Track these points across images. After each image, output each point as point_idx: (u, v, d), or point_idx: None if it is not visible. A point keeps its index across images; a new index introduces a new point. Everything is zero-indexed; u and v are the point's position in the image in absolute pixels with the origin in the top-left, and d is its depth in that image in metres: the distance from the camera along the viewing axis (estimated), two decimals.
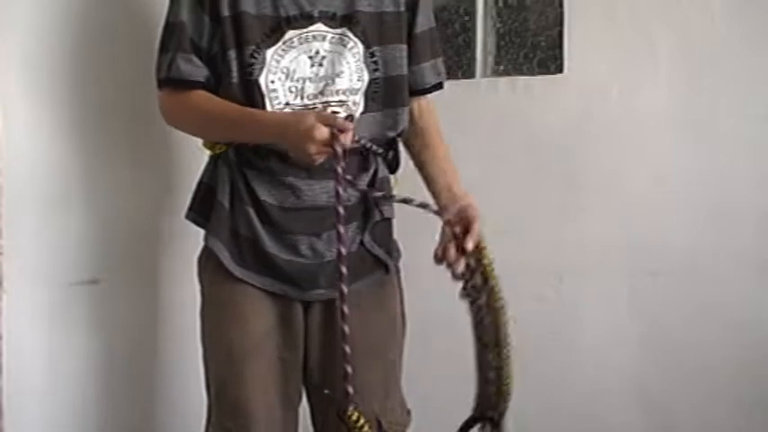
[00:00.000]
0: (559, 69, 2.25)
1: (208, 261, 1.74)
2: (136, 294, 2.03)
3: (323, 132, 1.50)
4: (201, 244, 1.79)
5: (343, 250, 1.54)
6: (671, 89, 2.12)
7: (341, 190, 1.54)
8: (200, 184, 1.77)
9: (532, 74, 2.34)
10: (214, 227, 1.71)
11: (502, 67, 2.41)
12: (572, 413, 2.20)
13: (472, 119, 2.26)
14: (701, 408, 2.08)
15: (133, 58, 1.89)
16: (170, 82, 1.67)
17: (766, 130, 2.04)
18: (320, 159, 1.54)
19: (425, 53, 1.79)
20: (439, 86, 1.83)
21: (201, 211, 1.75)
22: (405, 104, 1.75)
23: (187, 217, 1.77)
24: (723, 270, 2.06)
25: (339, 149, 1.51)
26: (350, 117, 1.61)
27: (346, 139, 1.51)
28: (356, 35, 1.69)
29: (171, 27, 1.68)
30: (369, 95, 1.71)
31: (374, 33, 1.70)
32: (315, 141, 1.51)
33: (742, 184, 2.06)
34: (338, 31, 1.68)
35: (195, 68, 1.66)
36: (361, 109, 1.70)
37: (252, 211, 1.68)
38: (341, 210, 1.54)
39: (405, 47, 1.74)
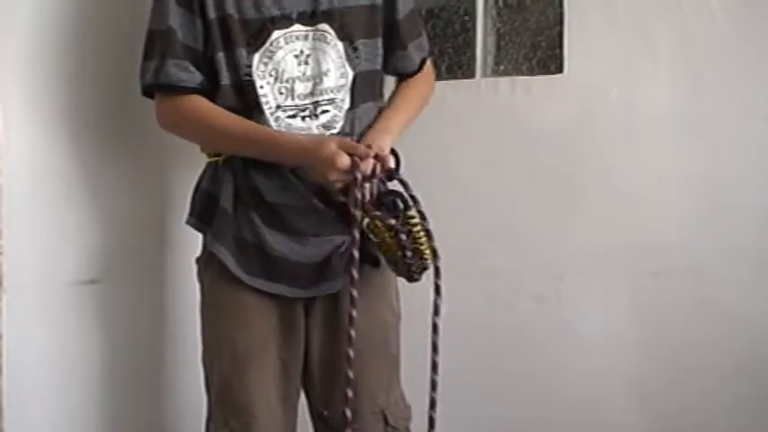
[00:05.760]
0: (559, 69, 2.25)
1: (209, 263, 1.75)
2: (135, 294, 2.03)
3: (344, 160, 1.55)
4: (201, 243, 1.80)
5: (356, 274, 1.59)
6: (671, 89, 2.11)
7: (358, 215, 1.57)
8: (198, 189, 1.77)
9: (532, 74, 2.34)
10: (217, 232, 1.72)
11: (502, 67, 2.40)
12: (572, 413, 2.20)
13: (472, 119, 2.26)
14: (701, 407, 2.08)
15: (133, 59, 1.89)
16: (158, 88, 1.69)
17: (767, 129, 2.04)
18: (340, 185, 1.58)
19: (410, 35, 1.81)
20: (425, 61, 1.87)
21: (202, 216, 1.76)
22: (378, 99, 1.79)
23: (187, 222, 1.78)
24: (723, 270, 2.06)
25: (359, 176, 1.54)
26: (369, 146, 1.62)
27: (366, 167, 1.55)
28: (335, 31, 1.70)
29: (157, 34, 1.69)
30: (355, 90, 1.72)
31: (352, 28, 1.71)
32: (336, 169, 1.55)
33: (742, 184, 2.06)
34: (318, 28, 1.69)
35: (188, 74, 1.67)
36: (347, 105, 1.71)
37: (256, 216, 1.69)
38: (357, 235, 1.58)
39: (380, 40, 1.76)
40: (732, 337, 2.05)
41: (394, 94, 1.83)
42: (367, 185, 1.58)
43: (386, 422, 1.75)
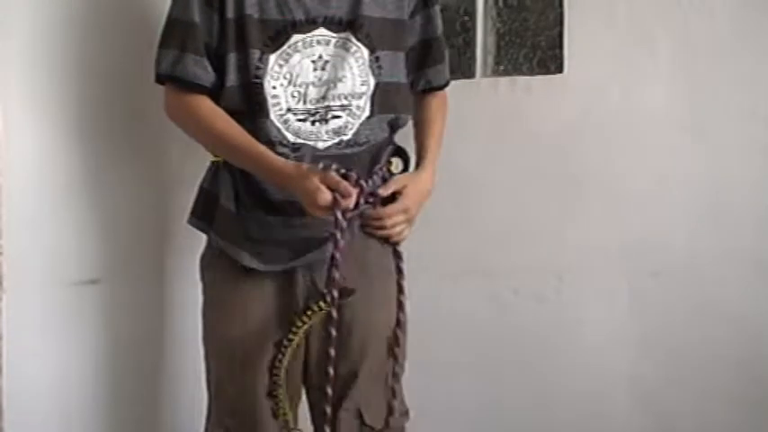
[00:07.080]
0: (559, 69, 2.25)
1: (214, 261, 1.75)
2: (136, 294, 2.03)
3: (326, 197, 1.54)
4: (202, 244, 1.79)
5: (334, 313, 1.61)
6: (671, 89, 2.12)
7: (338, 255, 1.57)
8: (201, 189, 1.78)
9: (532, 74, 2.34)
10: (221, 230, 1.72)
11: (502, 67, 2.40)
12: (572, 413, 2.20)
13: (472, 119, 2.26)
14: (701, 407, 2.08)
15: (134, 58, 1.89)
16: (173, 80, 1.67)
17: (766, 130, 2.04)
18: (322, 217, 1.58)
19: (442, 54, 1.85)
20: (446, 84, 1.90)
21: (204, 216, 1.76)
22: (406, 111, 1.79)
23: (189, 222, 1.79)
24: (723, 270, 2.06)
25: (339, 215, 1.54)
26: (348, 176, 1.59)
27: (348, 204, 1.55)
28: (360, 40, 1.70)
29: (179, 24, 1.67)
30: (375, 100, 1.72)
31: (378, 38, 1.71)
32: (317, 205, 1.54)
33: (742, 184, 2.06)
34: (342, 35, 1.68)
35: (205, 73, 1.66)
36: (366, 113, 1.71)
37: (262, 213, 1.69)
38: (336, 275, 1.58)
39: (403, 54, 1.76)
40: (732, 336, 2.05)
41: (428, 120, 1.85)
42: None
43: (362, 421, 1.75)
